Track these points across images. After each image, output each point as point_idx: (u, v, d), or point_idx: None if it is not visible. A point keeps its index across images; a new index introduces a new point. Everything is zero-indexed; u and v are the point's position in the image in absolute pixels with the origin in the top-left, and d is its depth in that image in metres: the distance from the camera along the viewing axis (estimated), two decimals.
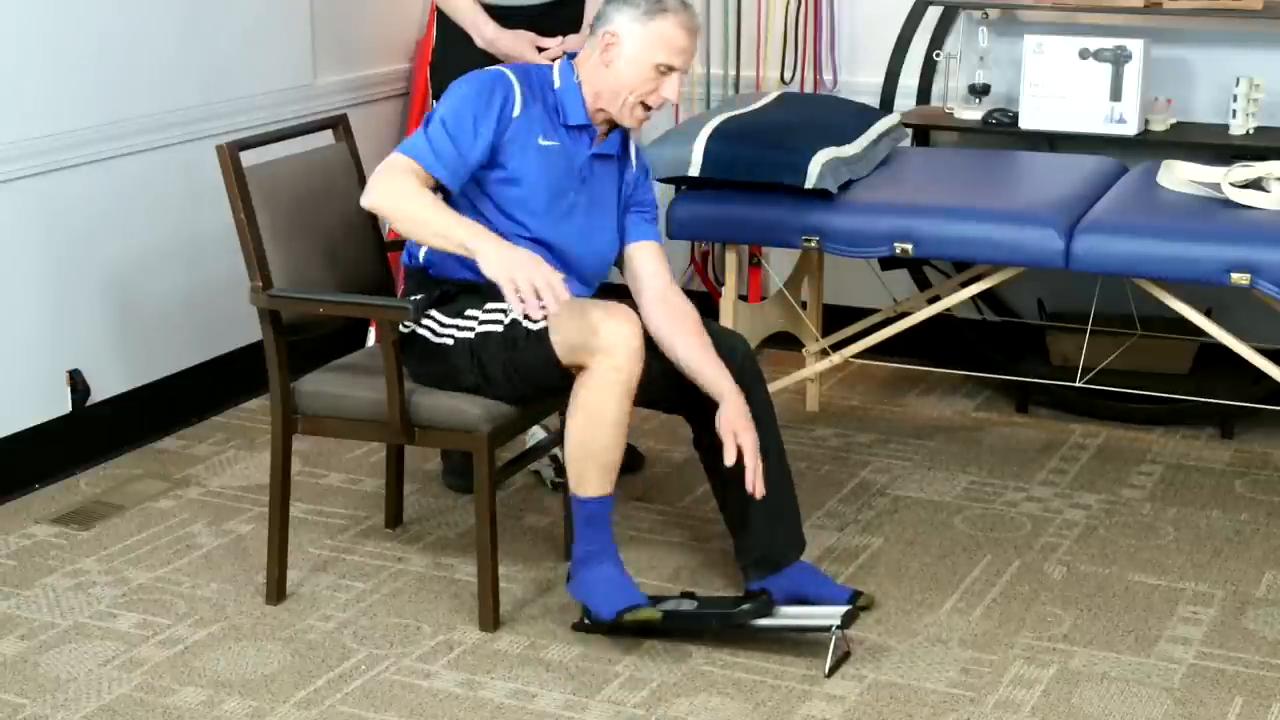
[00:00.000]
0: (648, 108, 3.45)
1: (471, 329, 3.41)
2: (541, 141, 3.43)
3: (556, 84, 3.48)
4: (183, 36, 4.48)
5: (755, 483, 3.37)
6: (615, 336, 3.28)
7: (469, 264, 3.30)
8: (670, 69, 3.40)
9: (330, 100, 4.93)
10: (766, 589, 3.41)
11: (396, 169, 3.35)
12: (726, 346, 3.50)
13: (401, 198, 3.32)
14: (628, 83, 3.41)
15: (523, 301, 3.16)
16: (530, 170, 3.43)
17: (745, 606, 3.34)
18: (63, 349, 4.25)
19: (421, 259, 3.51)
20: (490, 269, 3.20)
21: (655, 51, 3.39)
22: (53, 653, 3.37)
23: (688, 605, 3.41)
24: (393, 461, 3.93)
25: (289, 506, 3.60)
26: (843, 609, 3.34)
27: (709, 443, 3.48)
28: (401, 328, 3.44)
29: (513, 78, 3.44)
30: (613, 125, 3.52)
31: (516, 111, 3.41)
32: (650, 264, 3.57)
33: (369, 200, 3.37)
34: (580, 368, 3.32)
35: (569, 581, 3.43)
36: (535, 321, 3.30)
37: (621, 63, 3.41)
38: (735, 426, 3.38)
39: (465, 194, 3.43)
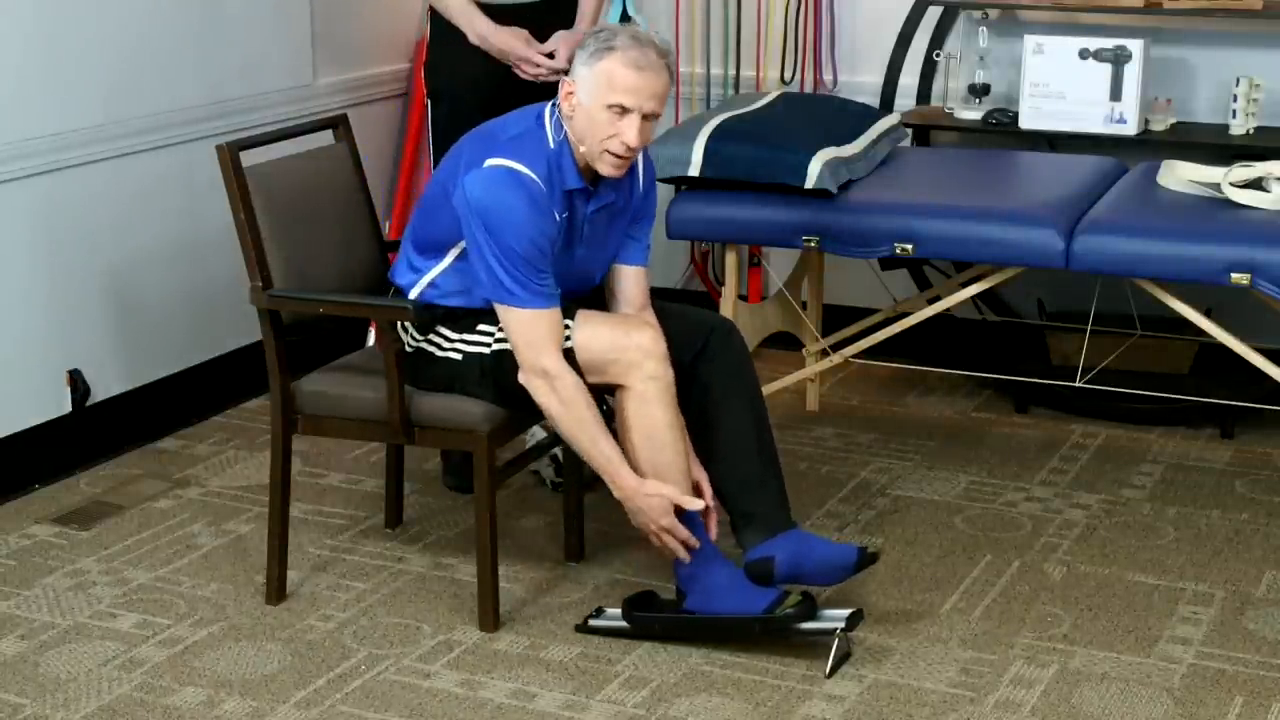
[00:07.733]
0: (616, 155, 3.25)
1: (487, 345, 3.38)
2: (557, 217, 3.31)
3: (551, 143, 3.30)
4: (183, 36, 4.48)
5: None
6: (640, 349, 3.29)
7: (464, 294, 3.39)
8: (623, 109, 3.21)
9: (330, 100, 4.93)
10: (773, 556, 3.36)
11: (541, 338, 3.26)
12: (723, 331, 3.48)
13: (569, 419, 3.30)
14: (589, 129, 3.24)
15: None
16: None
17: (790, 610, 3.30)
18: (63, 349, 4.25)
19: (416, 294, 3.43)
20: (629, 514, 3.36)
21: (603, 93, 3.21)
22: (53, 653, 3.37)
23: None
24: (393, 461, 3.93)
25: (289, 506, 3.60)
26: (848, 611, 3.34)
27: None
28: (408, 346, 3.43)
29: (527, 172, 3.25)
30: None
31: (544, 203, 3.28)
32: (631, 287, 3.49)
33: (541, 400, 3.30)
34: (610, 387, 3.33)
35: (685, 599, 3.38)
36: None
37: (580, 110, 3.26)
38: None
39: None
